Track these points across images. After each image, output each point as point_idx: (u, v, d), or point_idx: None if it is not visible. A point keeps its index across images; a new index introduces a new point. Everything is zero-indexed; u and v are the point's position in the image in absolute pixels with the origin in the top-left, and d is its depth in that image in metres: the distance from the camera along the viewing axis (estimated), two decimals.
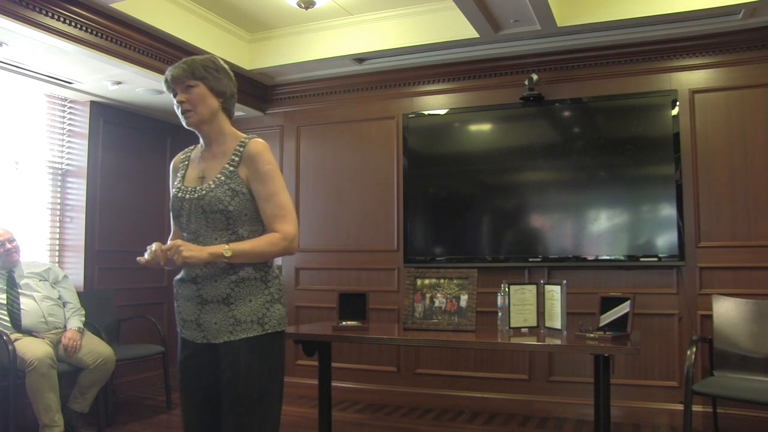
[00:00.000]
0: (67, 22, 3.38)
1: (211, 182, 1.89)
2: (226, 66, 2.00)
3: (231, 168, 1.89)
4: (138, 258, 1.81)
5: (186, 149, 2.07)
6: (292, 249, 1.90)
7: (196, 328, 1.91)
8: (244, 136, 1.96)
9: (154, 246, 1.80)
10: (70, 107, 4.56)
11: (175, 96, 1.91)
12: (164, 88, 1.95)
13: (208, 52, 4.19)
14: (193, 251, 1.76)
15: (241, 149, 1.90)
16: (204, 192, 1.88)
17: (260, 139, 1.94)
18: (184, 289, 1.94)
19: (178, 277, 1.98)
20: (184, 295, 1.94)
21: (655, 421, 3.81)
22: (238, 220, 1.88)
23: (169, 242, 1.84)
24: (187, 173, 1.99)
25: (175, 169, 2.05)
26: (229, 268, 1.86)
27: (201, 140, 1.99)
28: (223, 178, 1.88)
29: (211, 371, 1.91)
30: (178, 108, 1.90)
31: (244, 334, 1.86)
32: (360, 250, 4.67)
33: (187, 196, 1.91)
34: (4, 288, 3.59)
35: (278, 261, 4.94)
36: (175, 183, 2.00)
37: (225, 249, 1.79)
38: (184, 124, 1.92)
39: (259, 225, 1.92)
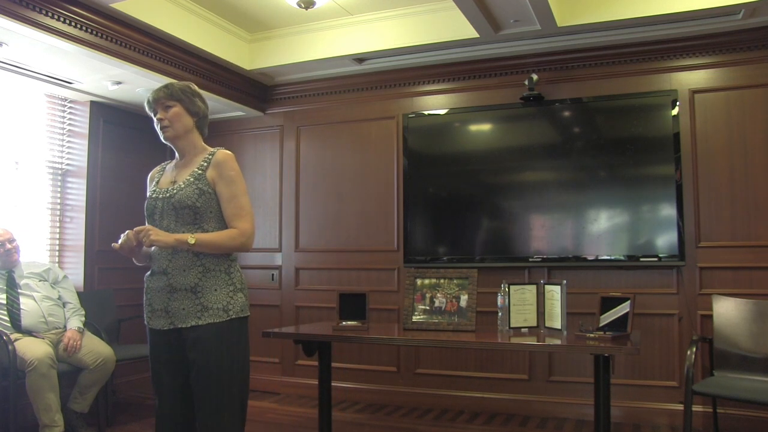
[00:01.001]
0: (67, 22, 3.38)
1: (181, 183, 2.17)
2: (200, 91, 2.31)
3: (199, 171, 2.17)
4: (112, 244, 2.08)
5: (162, 163, 2.38)
6: (248, 245, 2.18)
7: (164, 316, 2.13)
8: (213, 149, 2.25)
9: (127, 232, 2.04)
10: (70, 107, 4.56)
11: (155, 115, 2.21)
12: (146, 108, 2.25)
13: (208, 52, 4.24)
14: (161, 235, 2.04)
15: (210, 157, 2.20)
16: (175, 191, 2.15)
17: (227, 151, 2.23)
18: (155, 281, 2.16)
19: (148, 273, 2.21)
20: (154, 287, 2.16)
21: (655, 421, 3.81)
22: (204, 217, 2.14)
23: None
24: (161, 180, 2.28)
25: (151, 179, 2.34)
26: (196, 260, 2.11)
27: (176, 154, 2.28)
28: (192, 179, 2.16)
29: (180, 355, 2.13)
30: (157, 125, 2.21)
31: (211, 319, 2.09)
32: (360, 250, 4.67)
33: (161, 196, 2.19)
34: (4, 288, 3.59)
35: (278, 261, 4.94)
36: (151, 188, 2.29)
37: (189, 237, 2.06)
38: (161, 138, 2.22)
39: (223, 224, 2.18)
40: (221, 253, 2.15)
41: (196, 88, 2.28)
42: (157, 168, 2.36)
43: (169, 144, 2.24)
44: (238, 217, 2.15)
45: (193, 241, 2.05)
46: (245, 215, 2.16)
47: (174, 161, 2.31)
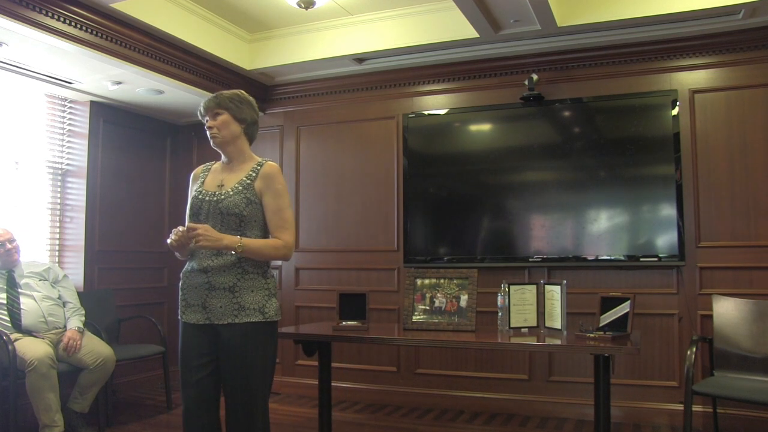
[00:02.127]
0: (67, 22, 3.38)
1: (229, 190, 2.29)
2: (251, 98, 2.43)
3: (248, 181, 2.30)
4: (167, 241, 2.21)
5: (207, 163, 2.49)
6: (289, 256, 2.33)
7: (201, 311, 2.24)
8: (261, 159, 2.39)
9: (180, 228, 2.17)
10: (70, 107, 4.56)
11: (206, 122, 2.35)
12: (199, 116, 2.40)
13: (208, 52, 4.24)
14: (210, 241, 2.14)
15: (259, 168, 2.33)
16: (223, 197, 2.27)
17: (274, 163, 2.37)
18: (194, 278, 2.27)
19: (187, 268, 2.32)
20: (191, 284, 2.27)
21: (655, 421, 3.82)
22: (249, 225, 2.27)
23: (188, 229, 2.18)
24: (206, 180, 2.39)
25: (195, 177, 2.45)
26: (237, 262, 2.22)
27: (223, 157, 2.40)
28: (240, 188, 2.28)
29: (211, 349, 2.25)
30: (208, 131, 2.34)
31: (248, 318, 2.21)
32: (360, 250, 4.67)
33: (207, 198, 2.30)
34: (4, 288, 3.59)
35: (278, 261, 4.94)
36: (195, 187, 2.38)
37: (238, 243, 2.18)
38: (211, 144, 2.36)
39: (263, 232, 2.31)
40: (263, 260, 2.27)
41: (245, 96, 2.41)
42: (201, 167, 2.48)
43: (217, 149, 2.37)
44: (283, 229, 2.28)
45: (241, 249, 2.18)
46: (289, 228, 2.29)
47: (220, 163, 2.43)
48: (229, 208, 2.24)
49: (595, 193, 4.04)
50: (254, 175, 2.31)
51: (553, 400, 4.07)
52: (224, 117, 2.32)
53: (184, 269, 2.33)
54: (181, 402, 2.30)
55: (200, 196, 2.32)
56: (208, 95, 2.48)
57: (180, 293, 2.32)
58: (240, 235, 2.23)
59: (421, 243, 4.43)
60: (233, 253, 2.21)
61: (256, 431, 2.23)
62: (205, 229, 2.14)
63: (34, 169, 4.34)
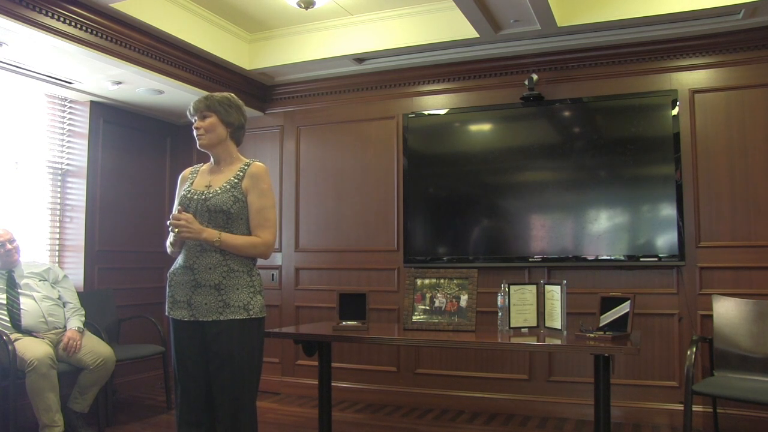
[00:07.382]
0: (67, 22, 3.38)
1: (217, 188, 2.35)
2: (240, 102, 2.48)
3: (236, 180, 2.36)
4: (173, 230, 2.29)
5: (195, 166, 2.55)
6: (267, 254, 2.39)
7: (186, 308, 2.30)
8: (248, 160, 2.45)
9: (176, 213, 2.29)
10: (70, 107, 4.56)
11: (194, 122, 2.40)
12: (188, 116, 2.45)
13: (208, 52, 4.24)
14: (192, 232, 2.25)
15: (246, 167, 2.39)
16: (211, 195, 2.33)
17: (261, 163, 2.43)
18: (180, 275, 2.33)
19: (175, 266, 2.38)
20: (178, 281, 2.33)
21: (655, 421, 3.82)
22: (236, 222, 2.32)
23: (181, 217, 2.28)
24: (195, 181, 2.45)
25: (183, 179, 2.52)
26: (222, 261, 2.28)
27: (211, 159, 2.46)
28: (228, 186, 2.34)
29: (201, 345, 2.30)
30: (195, 132, 2.39)
31: (233, 315, 2.26)
32: (360, 250, 4.67)
33: (195, 197, 2.36)
34: (4, 288, 3.59)
35: (278, 261, 4.94)
36: (184, 188, 2.45)
37: (217, 237, 2.26)
38: (198, 144, 2.41)
39: (250, 230, 2.36)
40: (244, 256, 2.32)
41: (235, 99, 2.46)
42: (189, 169, 2.54)
43: (204, 150, 2.42)
44: (263, 227, 2.34)
45: (218, 243, 2.25)
46: (269, 227, 2.35)
47: (208, 165, 2.49)
48: (216, 206, 2.30)
49: (595, 193, 4.04)
50: (242, 174, 2.37)
51: (553, 400, 4.07)
52: (212, 120, 2.37)
53: (171, 268, 2.39)
54: (176, 394, 2.39)
55: (189, 195, 2.38)
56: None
57: (167, 290, 2.38)
58: (226, 231, 2.29)
59: (421, 243, 4.43)
60: (217, 251, 2.27)
61: (243, 426, 2.27)
62: (188, 220, 2.24)
63: (34, 169, 4.34)
